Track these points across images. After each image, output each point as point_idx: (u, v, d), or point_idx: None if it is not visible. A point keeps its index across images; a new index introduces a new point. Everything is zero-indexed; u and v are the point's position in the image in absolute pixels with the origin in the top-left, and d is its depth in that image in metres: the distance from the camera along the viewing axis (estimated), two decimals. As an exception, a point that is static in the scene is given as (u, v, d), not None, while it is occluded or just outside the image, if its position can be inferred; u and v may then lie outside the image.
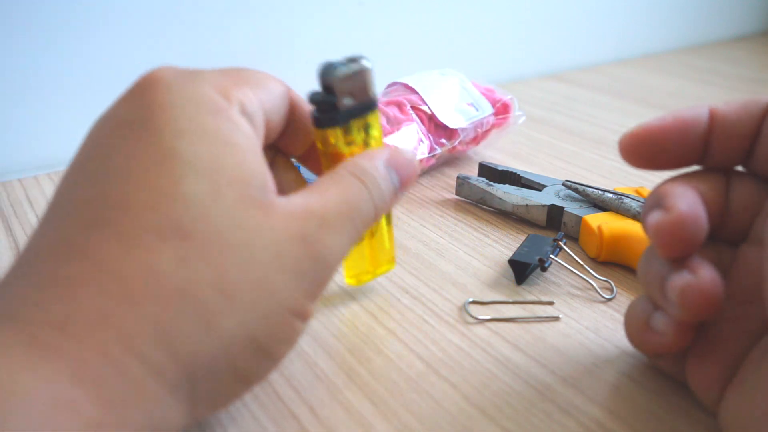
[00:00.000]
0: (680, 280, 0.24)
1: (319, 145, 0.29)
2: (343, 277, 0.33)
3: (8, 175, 0.48)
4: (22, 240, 0.39)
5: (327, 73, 0.28)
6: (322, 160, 0.29)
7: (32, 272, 0.21)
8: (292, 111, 0.28)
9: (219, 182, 0.22)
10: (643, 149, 0.26)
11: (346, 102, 0.28)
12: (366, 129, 0.29)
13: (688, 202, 0.24)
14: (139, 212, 0.21)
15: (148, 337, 0.20)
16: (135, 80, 0.24)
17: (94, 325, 0.20)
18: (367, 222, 0.26)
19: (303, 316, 0.24)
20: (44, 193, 0.46)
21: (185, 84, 0.23)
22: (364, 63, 0.28)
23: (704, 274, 0.23)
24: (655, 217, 0.24)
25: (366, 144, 0.29)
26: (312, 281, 0.24)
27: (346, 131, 0.28)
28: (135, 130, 0.22)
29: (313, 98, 0.28)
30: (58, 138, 0.49)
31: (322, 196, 0.25)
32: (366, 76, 0.28)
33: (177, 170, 0.22)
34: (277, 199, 0.24)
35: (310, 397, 0.27)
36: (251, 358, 0.22)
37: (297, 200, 0.24)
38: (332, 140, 0.28)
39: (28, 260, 0.22)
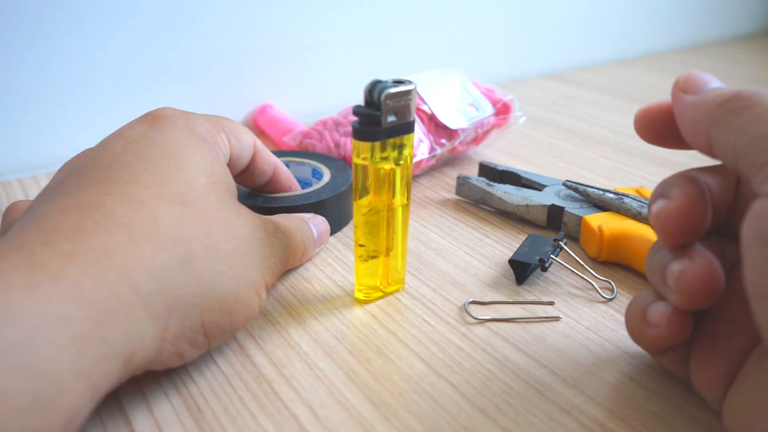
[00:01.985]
0: (679, 265, 0.25)
1: (354, 156, 0.30)
2: (354, 292, 0.33)
3: (7, 175, 0.48)
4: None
5: (378, 90, 0.29)
6: (353, 169, 0.31)
7: (44, 222, 0.24)
8: (254, 157, 0.35)
9: (213, 178, 0.29)
10: (653, 124, 0.27)
11: (390, 120, 0.29)
12: (400, 148, 0.30)
13: (691, 192, 0.25)
14: (150, 187, 0.26)
15: (143, 272, 0.24)
16: (143, 114, 0.30)
17: (98, 257, 0.23)
18: (300, 248, 0.34)
19: (258, 293, 0.29)
20: (44, 193, 0.45)
21: (184, 120, 0.30)
22: (412, 86, 0.29)
23: (702, 260, 0.24)
24: (658, 205, 0.25)
25: (397, 163, 0.31)
26: (267, 267, 0.30)
27: (383, 147, 0.30)
28: (148, 141, 0.28)
29: (358, 111, 0.29)
30: (57, 138, 0.49)
31: (277, 217, 0.33)
32: (412, 99, 0.30)
33: (183, 163, 0.28)
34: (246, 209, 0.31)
35: (310, 397, 0.27)
36: (217, 312, 0.26)
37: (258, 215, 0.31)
38: (366, 153, 0.30)
39: (39, 215, 0.24)
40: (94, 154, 0.28)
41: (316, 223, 0.36)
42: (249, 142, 0.34)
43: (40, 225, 0.24)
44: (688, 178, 0.26)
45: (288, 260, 0.32)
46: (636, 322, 0.27)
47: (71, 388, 0.21)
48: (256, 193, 0.38)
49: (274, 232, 0.31)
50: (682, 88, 0.26)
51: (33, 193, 0.46)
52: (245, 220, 0.29)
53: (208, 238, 0.27)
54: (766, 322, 0.21)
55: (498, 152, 0.53)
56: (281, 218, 0.33)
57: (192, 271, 0.25)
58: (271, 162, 0.36)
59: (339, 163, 0.43)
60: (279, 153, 0.44)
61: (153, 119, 0.30)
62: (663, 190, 0.26)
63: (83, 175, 0.26)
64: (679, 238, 0.25)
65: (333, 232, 0.39)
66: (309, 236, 0.35)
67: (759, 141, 0.22)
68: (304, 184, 0.42)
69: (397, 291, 0.34)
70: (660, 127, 0.27)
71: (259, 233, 0.30)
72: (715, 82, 0.26)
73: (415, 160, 0.44)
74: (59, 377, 0.20)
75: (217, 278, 0.26)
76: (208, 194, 0.28)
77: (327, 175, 0.41)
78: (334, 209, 0.39)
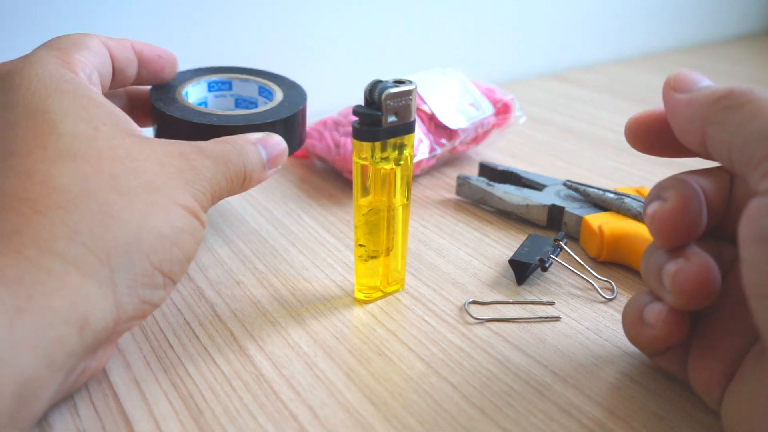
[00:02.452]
0: (674, 265, 0.25)
1: (354, 156, 0.30)
2: (354, 292, 0.33)
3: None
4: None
5: (378, 90, 0.29)
6: (353, 169, 0.31)
7: None
8: (141, 57, 0.34)
9: (95, 123, 0.27)
10: (643, 133, 0.28)
11: (390, 120, 0.29)
12: (400, 148, 0.30)
13: (686, 194, 0.25)
14: (30, 153, 0.25)
15: (62, 237, 0.23)
16: None
17: (9, 237, 0.23)
18: (239, 172, 0.30)
19: (196, 215, 0.27)
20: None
21: (33, 68, 0.28)
22: (412, 86, 0.29)
23: (698, 260, 0.24)
24: (653, 207, 0.26)
25: (397, 163, 0.31)
26: (197, 188, 0.28)
27: (383, 147, 0.30)
28: (3, 108, 0.26)
29: (358, 111, 0.29)
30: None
31: (197, 142, 0.30)
32: (412, 98, 0.30)
33: (53, 118, 0.26)
34: (155, 138, 0.29)
35: (310, 397, 0.27)
36: (162, 248, 0.25)
37: (171, 140, 0.29)
38: (367, 153, 0.30)
39: None
40: None
41: (268, 143, 0.32)
42: (97, 46, 0.31)
43: None
44: (682, 180, 0.26)
45: (224, 183, 0.29)
46: (633, 323, 0.27)
47: (11, 359, 0.21)
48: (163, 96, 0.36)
49: (193, 155, 0.28)
50: (673, 86, 0.26)
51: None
52: (151, 150, 0.27)
53: (115, 182, 0.25)
54: (765, 321, 0.21)
55: (498, 152, 0.53)
56: (211, 142, 0.30)
57: (114, 220, 0.24)
58: (126, 45, 0.33)
59: (290, 82, 0.40)
60: (213, 69, 0.41)
61: (2, 81, 0.28)
62: (658, 192, 0.26)
63: None
64: (674, 240, 0.25)
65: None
66: (253, 158, 0.31)
67: (754, 138, 0.22)
68: (249, 104, 0.40)
69: (397, 291, 0.34)
70: (650, 136, 0.28)
71: (173, 159, 0.27)
72: (705, 81, 0.26)
73: (415, 160, 0.44)
74: None
75: (146, 217, 0.25)
76: (97, 140, 0.26)
77: (279, 95, 0.38)
78: (287, 132, 0.36)
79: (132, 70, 0.34)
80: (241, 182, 0.31)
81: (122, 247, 0.24)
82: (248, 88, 0.40)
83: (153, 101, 0.35)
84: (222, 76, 0.40)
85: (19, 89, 0.27)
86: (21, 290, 0.22)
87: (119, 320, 0.24)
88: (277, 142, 0.33)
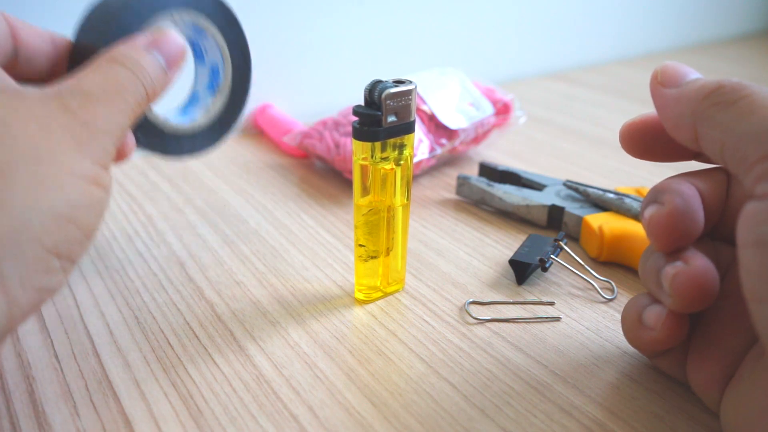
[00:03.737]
0: (673, 269, 0.25)
1: (354, 156, 0.30)
2: (354, 292, 0.33)
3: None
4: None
5: (378, 89, 0.29)
6: (353, 169, 0.30)
7: None
8: (15, 36, 0.28)
9: None
10: (638, 139, 0.27)
11: (390, 120, 0.29)
12: (400, 148, 0.30)
13: (683, 197, 0.25)
14: None
15: None
16: None
17: None
18: (139, 98, 0.26)
19: (97, 182, 0.24)
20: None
21: None
22: (412, 86, 0.29)
23: (696, 263, 0.24)
24: (650, 210, 0.25)
25: (397, 163, 0.31)
26: (95, 148, 0.24)
27: (383, 147, 0.30)
28: None
29: (358, 111, 0.29)
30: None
31: (79, 79, 0.25)
32: (412, 98, 0.30)
33: None
34: (26, 88, 0.24)
35: (310, 397, 0.27)
36: (57, 229, 0.22)
37: (50, 86, 0.24)
38: (367, 154, 0.30)
39: None
40: None
41: (162, 45, 0.28)
42: None
43: None
44: (679, 183, 0.26)
45: (128, 120, 0.26)
46: (632, 326, 0.27)
47: None
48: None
49: (81, 107, 0.24)
50: (660, 81, 0.26)
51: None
52: (27, 110, 0.23)
53: None
54: (764, 325, 0.21)
55: (498, 152, 0.53)
56: (91, 78, 0.25)
57: None
58: (42, 35, 0.29)
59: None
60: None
61: None
62: (655, 196, 0.26)
63: None
64: (671, 243, 0.25)
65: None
66: (151, 71, 0.27)
67: (747, 139, 0.22)
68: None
69: (397, 291, 0.34)
70: (645, 141, 0.27)
71: (60, 119, 0.23)
72: (693, 74, 0.25)
73: (415, 160, 0.44)
74: None
75: (33, 195, 0.22)
76: None
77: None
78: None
79: (42, 63, 0.29)
80: (145, 104, 0.27)
81: (7, 234, 0.21)
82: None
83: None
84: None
85: None
86: None
87: (13, 316, 0.22)
88: (171, 39, 0.28)
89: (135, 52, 0.27)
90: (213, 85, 0.34)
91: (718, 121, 0.23)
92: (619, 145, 0.28)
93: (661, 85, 0.25)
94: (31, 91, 0.24)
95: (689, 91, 0.24)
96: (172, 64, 0.28)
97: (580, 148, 0.55)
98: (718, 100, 0.23)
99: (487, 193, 0.43)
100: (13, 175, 0.22)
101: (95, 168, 0.24)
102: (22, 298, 0.22)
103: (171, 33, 0.28)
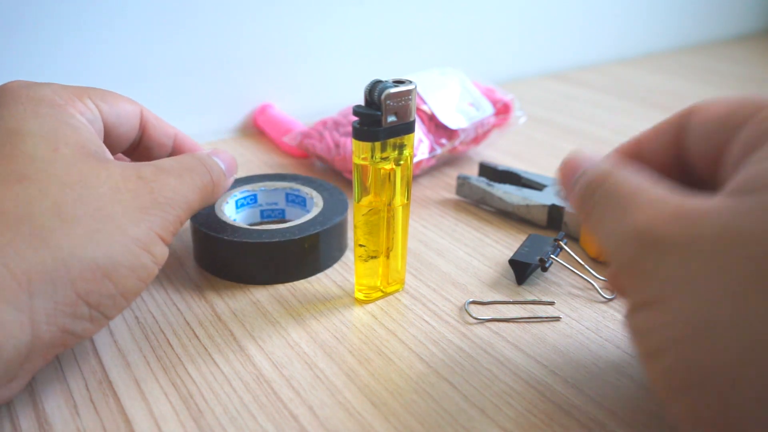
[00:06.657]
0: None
1: (354, 156, 0.30)
2: (354, 292, 0.33)
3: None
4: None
5: (378, 89, 0.29)
6: (353, 169, 0.30)
7: None
8: (144, 128, 0.33)
9: (56, 144, 0.26)
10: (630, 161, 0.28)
11: (390, 120, 0.29)
12: (400, 148, 0.30)
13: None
14: None
15: None
16: None
17: None
18: (206, 182, 0.30)
19: (148, 249, 0.26)
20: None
21: (28, 89, 0.28)
22: (412, 86, 0.29)
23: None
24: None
25: (397, 163, 0.31)
26: (155, 216, 0.27)
27: (383, 147, 0.30)
28: None
29: (358, 111, 0.29)
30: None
31: (158, 160, 0.29)
32: (412, 98, 0.30)
33: (17, 139, 0.26)
34: (113, 160, 0.28)
35: (310, 397, 0.27)
36: (93, 280, 0.24)
37: (133, 162, 0.29)
38: (367, 154, 0.30)
39: None
40: None
41: (220, 154, 0.33)
42: (129, 110, 0.32)
43: None
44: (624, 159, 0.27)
45: (195, 196, 0.29)
46: None
47: None
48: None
49: (153, 177, 0.28)
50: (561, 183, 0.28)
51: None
52: (107, 175, 0.27)
53: (59, 208, 0.25)
54: (676, 419, 0.21)
55: (498, 152, 0.53)
56: (168, 160, 0.30)
57: (45, 245, 0.24)
58: (168, 133, 0.34)
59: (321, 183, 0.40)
60: (263, 177, 0.40)
61: None
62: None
63: None
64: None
65: (330, 264, 0.37)
66: (215, 168, 0.32)
67: (613, 240, 0.23)
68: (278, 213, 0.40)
69: (397, 291, 0.34)
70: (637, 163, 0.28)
71: (131, 184, 0.27)
72: (578, 169, 0.28)
73: (415, 160, 0.44)
74: None
75: (81, 245, 0.24)
76: (53, 163, 0.26)
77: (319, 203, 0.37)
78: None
79: (162, 155, 0.34)
80: (211, 191, 0.31)
81: (46, 272, 0.23)
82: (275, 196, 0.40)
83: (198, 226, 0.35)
84: (247, 187, 0.39)
85: (7, 109, 0.27)
86: None
87: (34, 348, 0.24)
88: (224, 151, 0.33)
89: (201, 154, 0.32)
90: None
91: (597, 225, 0.25)
92: (619, 145, 0.28)
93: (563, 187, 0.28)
94: (118, 162, 0.27)
95: (576, 193, 0.28)
96: (229, 169, 0.33)
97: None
98: (590, 199, 0.26)
99: (487, 193, 0.43)
100: (74, 225, 0.25)
101: (150, 234, 0.26)
102: (46, 334, 0.24)
103: (223, 150, 0.33)
